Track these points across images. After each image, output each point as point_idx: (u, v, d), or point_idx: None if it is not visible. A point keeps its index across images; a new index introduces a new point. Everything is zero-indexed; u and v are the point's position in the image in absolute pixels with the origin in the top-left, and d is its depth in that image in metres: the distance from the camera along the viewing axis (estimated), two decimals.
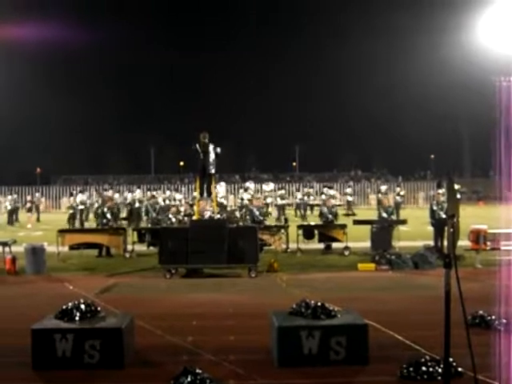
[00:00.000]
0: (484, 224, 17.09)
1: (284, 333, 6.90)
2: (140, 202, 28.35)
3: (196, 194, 18.75)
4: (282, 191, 35.60)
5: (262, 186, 40.85)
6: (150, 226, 20.27)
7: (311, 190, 37.77)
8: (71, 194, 36.74)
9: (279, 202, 33.20)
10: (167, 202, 27.55)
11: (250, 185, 36.61)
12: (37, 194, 40.20)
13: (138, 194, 31.98)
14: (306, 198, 34.97)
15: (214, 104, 75.36)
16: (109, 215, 18.77)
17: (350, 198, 37.98)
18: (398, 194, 33.82)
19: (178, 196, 32.67)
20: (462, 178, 66.31)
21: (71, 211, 29.36)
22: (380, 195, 32.71)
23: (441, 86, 60.43)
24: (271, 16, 78.23)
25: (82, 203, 30.62)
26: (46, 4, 57.35)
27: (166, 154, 77.88)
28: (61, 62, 67.79)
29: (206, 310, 10.03)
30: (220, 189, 32.35)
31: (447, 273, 4.59)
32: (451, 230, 4.52)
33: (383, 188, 36.18)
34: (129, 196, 33.69)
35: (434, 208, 17.51)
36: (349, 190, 40.81)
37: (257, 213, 18.98)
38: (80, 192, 37.81)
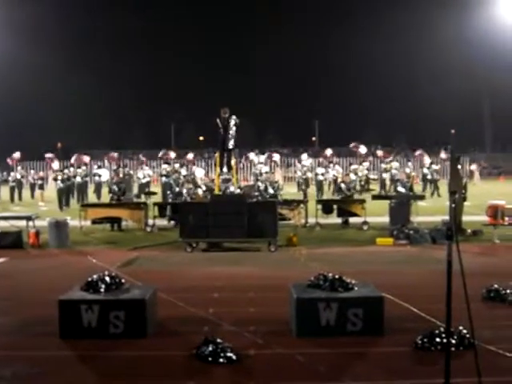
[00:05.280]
0: (503, 199, 17.14)
1: (302, 304, 7.08)
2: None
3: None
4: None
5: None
6: (170, 200, 20.42)
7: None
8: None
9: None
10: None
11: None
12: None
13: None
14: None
15: (234, 79, 75.27)
16: (116, 189, 19.08)
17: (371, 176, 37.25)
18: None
19: (200, 172, 32.36)
20: (483, 153, 65.91)
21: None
22: (395, 171, 32.58)
23: (463, 60, 59.91)
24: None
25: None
26: None
27: (186, 129, 78.09)
28: (82, 37, 68.00)
29: (226, 283, 10.22)
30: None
31: (449, 244, 4.77)
32: (453, 205, 4.70)
33: (395, 164, 36.01)
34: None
35: None
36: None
37: (270, 188, 19.14)
38: (99, 167, 38.00)
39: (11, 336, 7.35)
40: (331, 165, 34.91)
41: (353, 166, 33.03)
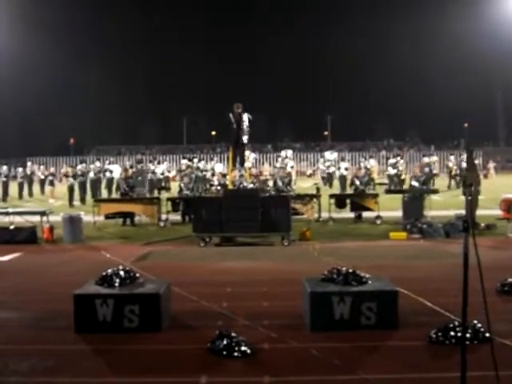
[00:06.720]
0: None
1: (316, 298, 7.08)
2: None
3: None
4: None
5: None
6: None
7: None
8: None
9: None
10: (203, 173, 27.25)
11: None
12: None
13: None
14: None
15: (246, 74, 75.22)
16: (124, 186, 19.12)
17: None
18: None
19: (219, 167, 32.12)
20: (497, 147, 65.57)
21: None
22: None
23: (476, 53, 59.60)
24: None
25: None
26: None
27: (199, 124, 78.10)
28: (94, 31, 68.08)
29: (239, 277, 10.24)
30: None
31: (465, 236, 4.76)
32: (469, 197, 4.69)
33: (434, 158, 35.85)
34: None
35: None
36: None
37: (280, 183, 19.16)
38: (110, 163, 38.00)
39: (27, 330, 7.39)
40: (363, 159, 34.96)
41: (391, 160, 32.93)
